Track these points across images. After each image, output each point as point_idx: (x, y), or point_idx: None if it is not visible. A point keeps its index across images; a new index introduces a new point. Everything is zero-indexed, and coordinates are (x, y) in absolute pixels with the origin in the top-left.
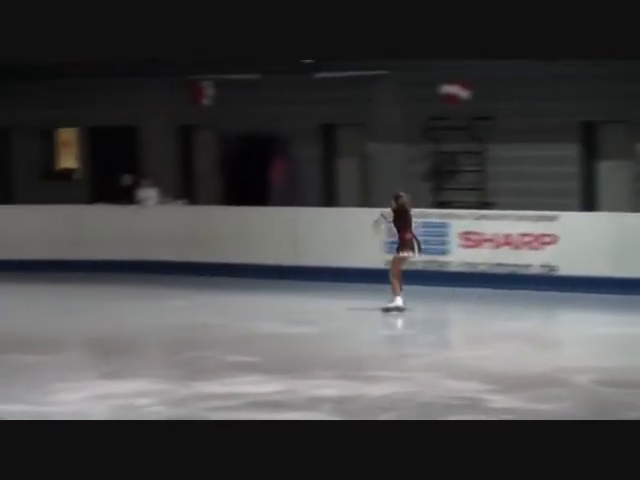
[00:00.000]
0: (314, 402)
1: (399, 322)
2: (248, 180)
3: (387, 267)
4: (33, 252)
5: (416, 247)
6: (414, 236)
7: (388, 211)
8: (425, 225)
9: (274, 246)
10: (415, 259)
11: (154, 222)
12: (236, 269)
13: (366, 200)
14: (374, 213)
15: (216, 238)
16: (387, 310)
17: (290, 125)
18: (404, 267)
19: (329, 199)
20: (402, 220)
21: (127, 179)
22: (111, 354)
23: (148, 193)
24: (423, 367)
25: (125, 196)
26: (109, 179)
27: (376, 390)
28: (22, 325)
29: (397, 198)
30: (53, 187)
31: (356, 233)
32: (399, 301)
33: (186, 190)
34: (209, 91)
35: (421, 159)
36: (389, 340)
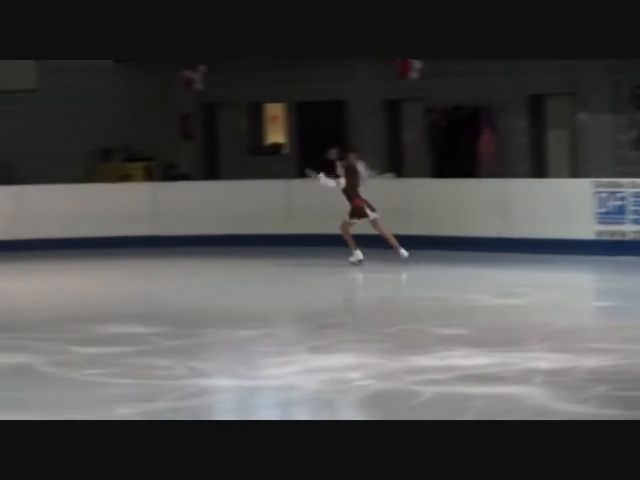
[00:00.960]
0: (526, 375)
1: (610, 293)
2: (456, 152)
3: (599, 238)
4: (242, 227)
5: (368, 210)
6: (363, 200)
7: (342, 181)
8: (637, 195)
9: (484, 218)
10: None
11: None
12: (445, 242)
13: (576, 170)
14: (585, 184)
15: (425, 211)
16: (353, 264)
17: (498, 96)
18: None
19: (538, 170)
20: (351, 186)
21: (334, 153)
22: (321, 328)
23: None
24: (636, 339)
25: (333, 170)
26: (317, 153)
27: (589, 362)
28: (235, 300)
29: (343, 166)
30: (261, 162)
31: (567, 204)
32: (359, 255)
33: (394, 163)
34: (416, 64)
35: (631, 128)
36: (600, 311)
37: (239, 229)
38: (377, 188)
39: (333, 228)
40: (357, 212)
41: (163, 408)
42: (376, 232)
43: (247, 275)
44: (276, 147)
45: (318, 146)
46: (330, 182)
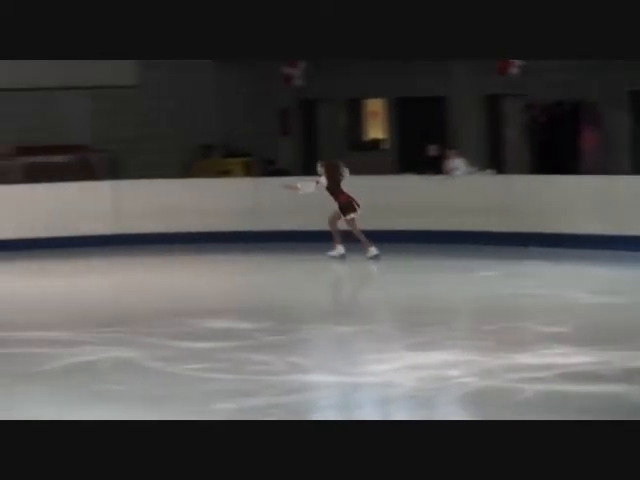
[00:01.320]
0: (628, 374)
1: None
2: (557, 148)
3: None
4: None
5: (355, 204)
6: (348, 195)
7: (322, 180)
8: None
9: (586, 215)
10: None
11: (462, 192)
12: (547, 239)
13: None
14: None
15: (526, 208)
16: (334, 257)
17: (600, 91)
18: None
19: None
20: (334, 184)
21: (434, 149)
22: (421, 325)
23: (455, 163)
24: None
25: (432, 166)
26: (417, 149)
27: None
28: (334, 295)
29: (323, 165)
30: (360, 158)
31: None
32: (341, 249)
33: (494, 159)
34: (517, 60)
35: None
36: None
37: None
38: (478, 185)
39: (431, 225)
40: (347, 207)
41: (263, 404)
42: (343, 226)
43: (347, 271)
44: (376, 143)
45: (418, 142)
46: (309, 187)
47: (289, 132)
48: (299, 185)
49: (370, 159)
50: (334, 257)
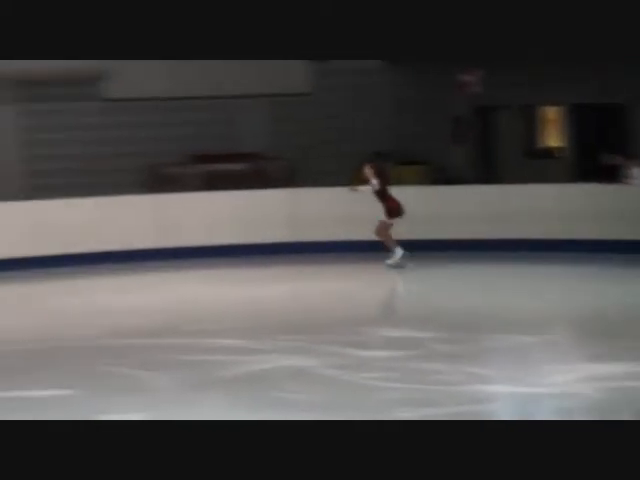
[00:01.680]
0: None
1: None
2: None
3: None
4: (511, 231)
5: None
6: (397, 201)
7: (375, 183)
8: None
9: None
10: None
11: (638, 201)
12: None
13: None
14: None
15: None
16: (391, 266)
17: None
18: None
19: None
20: (385, 188)
21: (612, 158)
22: (599, 334)
23: (635, 172)
24: None
25: (609, 175)
26: (594, 158)
27: None
28: (508, 305)
29: (372, 167)
30: (537, 165)
31: None
32: (399, 253)
33: None
34: None
35: None
36: None
37: (514, 233)
38: None
39: (604, 234)
40: (394, 211)
41: (442, 413)
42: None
43: (518, 280)
44: (552, 151)
45: (596, 150)
46: (364, 188)
47: (463, 139)
48: (360, 188)
49: (546, 167)
50: (391, 266)
